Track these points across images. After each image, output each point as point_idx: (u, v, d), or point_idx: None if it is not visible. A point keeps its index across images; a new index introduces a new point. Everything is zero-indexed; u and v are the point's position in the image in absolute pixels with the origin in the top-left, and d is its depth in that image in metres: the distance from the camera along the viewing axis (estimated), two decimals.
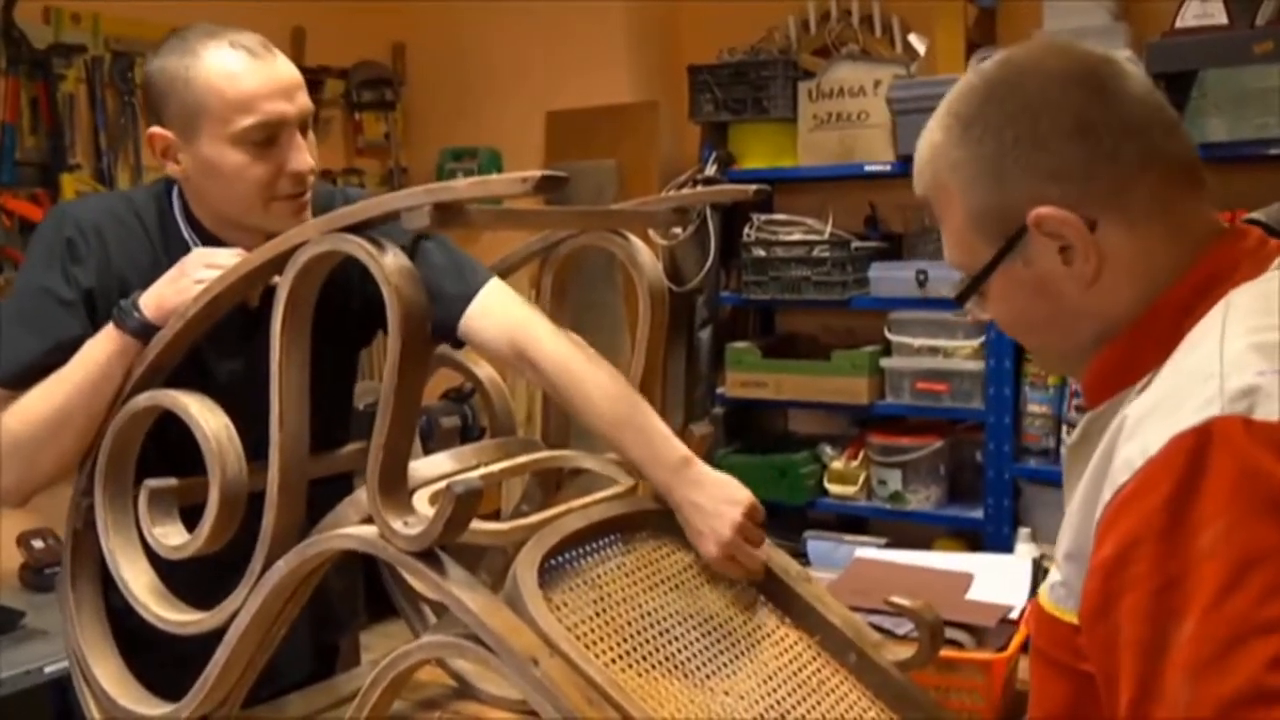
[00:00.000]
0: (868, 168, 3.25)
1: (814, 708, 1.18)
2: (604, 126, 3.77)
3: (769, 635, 1.25)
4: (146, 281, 1.31)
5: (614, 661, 1.08)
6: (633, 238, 1.46)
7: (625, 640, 1.12)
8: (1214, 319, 0.83)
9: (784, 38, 3.53)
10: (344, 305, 1.40)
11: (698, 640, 1.18)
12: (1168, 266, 0.88)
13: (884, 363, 3.26)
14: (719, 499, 1.25)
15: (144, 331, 1.28)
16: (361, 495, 1.17)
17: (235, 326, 1.37)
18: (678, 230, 3.31)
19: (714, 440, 3.31)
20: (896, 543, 2.63)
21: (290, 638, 1.27)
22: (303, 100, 1.35)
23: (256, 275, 1.21)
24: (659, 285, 1.46)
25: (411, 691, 1.49)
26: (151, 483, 1.26)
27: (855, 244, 3.33)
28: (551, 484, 1.54)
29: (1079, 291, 0.89)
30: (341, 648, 1.74)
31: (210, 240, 1.40)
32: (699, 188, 3.28)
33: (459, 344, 1.44)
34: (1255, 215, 0.95)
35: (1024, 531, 2.12)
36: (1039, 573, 1.67)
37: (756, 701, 1.14)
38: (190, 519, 1.24)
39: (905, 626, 1.46)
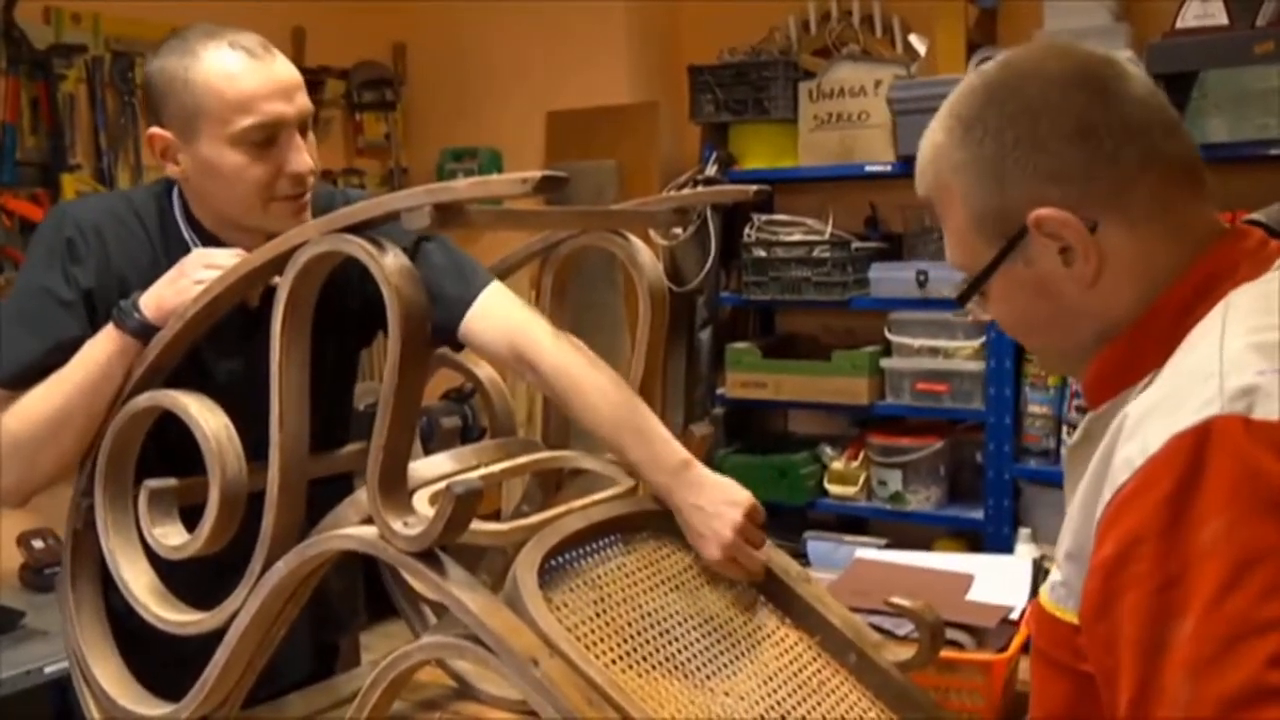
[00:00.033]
0: (868, 168, 3.25)
1: (814, 708, 1.18)
2: (604, 127, 3.77)
3: (769, 636, 1.25)
4: (146, 282, 1.31)
5: (614, 662, 1.08)
6: (633, 238, 1.46)
7: (625, 641, 1.12)
8: (1214, 319, 0.83)
9: (784, 38, 3.53)
10: (344, 305, 1.40)
11: (698, 641, 1.18)
12: (1168, 267, 0.88)
13: (884, 363, 3.26)
14: (719, 501, 1.25)
15: (144, 332, 1.28)
16: (361, 495, 1.17)
17: (235, 327, 1.36)
18: (678, 231, 3.31)
19: (714, 441, 3.31)
20: (897, 543, 2.63)
21: (290, 638, 1.27)
22: (302, 101, 1.35)
23: (256, 276, 1.21)
24: (659, 286, 1.45)
25: (411, 692, 1.49)
26: (151, 483, 1.26)
27: (855, 244, 3.33)
28: (552, 484, 1.54)
29: (1079, 292, 0.90)
30: (341, 648, 1.74)
31: (210, 241, 1.40)
32: (699, 188, 3.28)
33: (459, 346, 1.44)
34: (1256, 216, 0.95)
35: (1024, 532, 2.12)
36: (1039, 573, 1.67)
37: (757, 702, 1.14)
38: (190, 519, 1.24)
39: (905, 627, 1.46)
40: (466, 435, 3.49)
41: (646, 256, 1.45)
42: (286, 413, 1.16)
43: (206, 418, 1.20)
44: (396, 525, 1.09)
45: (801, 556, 2.31)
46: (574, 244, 1.53)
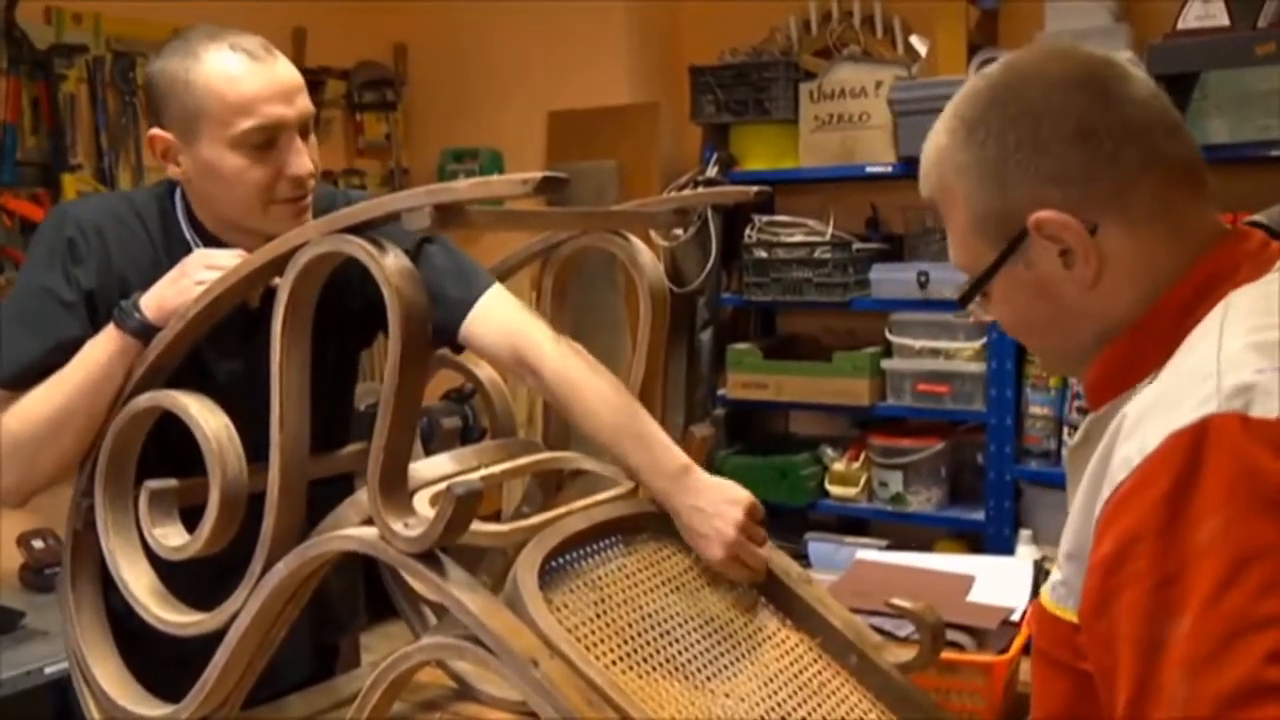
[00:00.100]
0: (869, 169, 3.25)
1: (815, 710, 1.18)
2: (605, 127, 3.77)
3: (770, 637, 1.25)
4: (147, 282, 1.31)
5: (614, 663, 1.08)
6: (634, 239, 1.46)
7: (626, 642, 1.12)
8: (1213, 320, 0.84)
9: (785, 39, 3.53)
10: (345, 306, 1.40)
11: (699, 642, 1.18)
12: (1169, 268, 0.88)
13: (885, 364, 3.26)
14: (719, 500, 1.25)
15: (144, 332, 1.28)
16: (362, 496, 1.17)
17: (236, 327, 1.36)
18: (679, 231, 3.31)
19: (715, 442, 3.32)
20: (897, 544, 2.63)
21: (290, 639, 1.27)
22: (303, 103, 1.35)
23: (257, 276, 1.21)
24: (660, 286, 1.45)
25: (412, 693, 1.49)
26: (152, 484, 1.26)
27: (856, 245, 3.33)
28: (552, 485, 1.54)
29: (1080, 293, 0.90)
30: (342, 649, 1.74)
31: (212, 241, 1.40)
32: (700, 189, 3.28)
33: (459, 348, 1.44)
34: (1257, 218, 0.95)
35: (1025, 533, 2.12)
36: (1040, 575, 1.67)
37: (757, 704, 1.14)
38: (190, 520, 1.24)
39: (906, 628, 1.46)
40: (467, 436, 3.49)
41: (647, 257, 1.45)
42: (287, 413, 1.16)
43: (207, 418, 1.20)
44: (397, 526, 1.09)
45: (802, 558, 2.30)
46: (575, 245, 1.52)
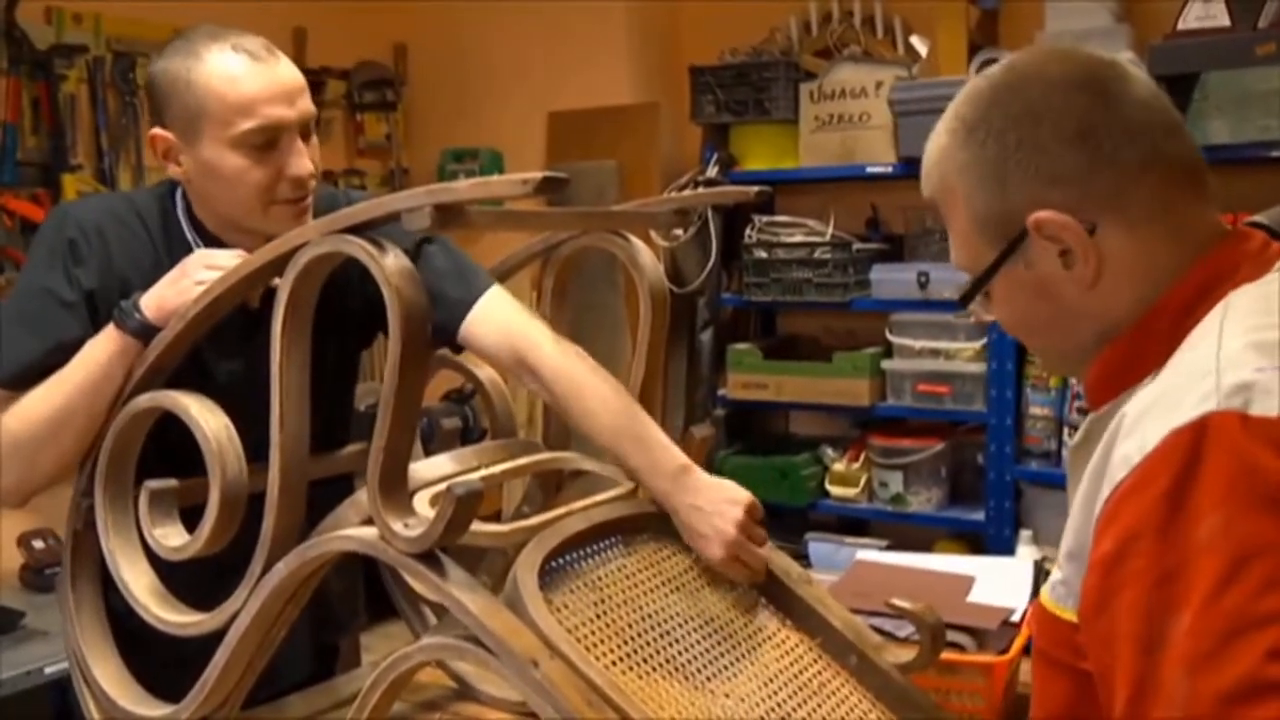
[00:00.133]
0: (869, 169, 3.25)
1: (815, 710, 1.18)
2: (605, 127, 3.77)
3: (770, 638, 1.25)
4: (148, 282, 1.31)
5: (614, 664, 1.08)
6: (634, 239, 1.46)
7: (626, 642, 1.12)
8: (1213, 319, 0.84)
9: (786, 39, 3.53)
10: (345, 306, 1.40)
11: (699, 643, 1.18)
12: (1169, 268, 0.89)
13: (885, 364, 3.26)
14: (719, 500, 1.25)
15: (144, 332, 1.28)
16: (362, 497, 1.17)
17: (236, 327, 1.36)
18: (679, 231, 3.31)
19: (715, 442, 3.32)
20: (898, 545, 2.63)
21: (290, 639, 1.27)
22: (304, 105, 1.35)
23: (257, 276, 1.21)
24: (660, 287, 1.45)
25: (412, 693, 1.49)
26: (152, 484, 1.26)
27: (857, 246, 3.32)
28: (552, 486, 1.54)
29: (1079, 293, 0.90)
30: (342, 649, 1.74)
31: (213, 242, 1.40)
32: (700, 189, 3.28)
33: (458, 349, 1.44)
34: (1258, 218, 0.95)
35: (1025, 534, 2.12)
36: (1040, 575, 1.67)
37: (757, 704, 1.14)
38: (190, 520, 1.24)
39: (906, 629, 1.46)
40: (467, 436, 3.49)
41: (647, 257, 1.45)
42: (287, 413, 1.16)
43: (207, 418, 1.20)
44: (397, 526, 1.09)
45: (802, 558, 2.30)
46: (575, 245, 1.52)
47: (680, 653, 1.15)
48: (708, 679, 1.14)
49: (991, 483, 3.11)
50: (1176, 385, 0.80)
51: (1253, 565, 0.71)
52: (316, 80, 3.81)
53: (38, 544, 2.88)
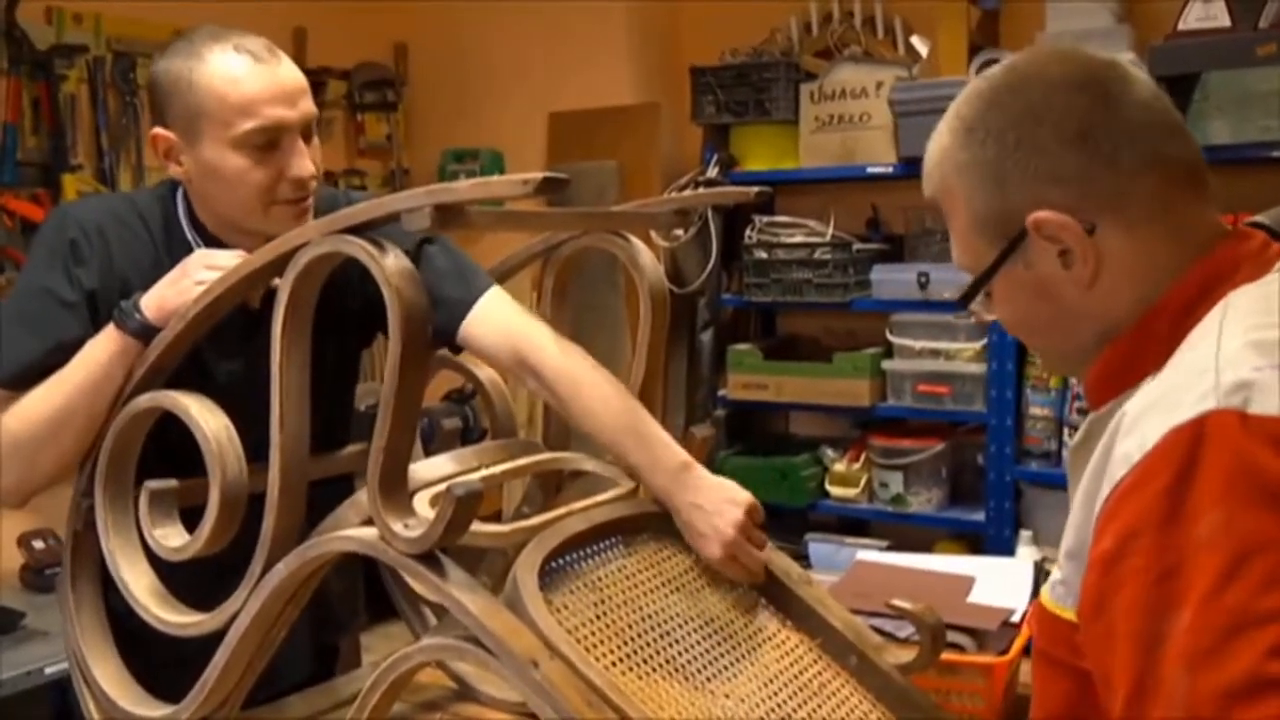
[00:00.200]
0: (870, 170, 3.25)
1: (815, 711, 1.18)
2: (606, 128, 3.77)
3: (770, 638, 1.25)
4: (148, 283, 1.31)
5: (614, 664, 1.08)
6: (634, 239, 1.46)
7: (626, 643, 1.12)
8: (1213, 319, 0.84)
9: (786, 39, 3.53)
10: (345, 306, 1.40)
11: (699, 643, 1.18)
12: (1169, 268, 0.89)
13: (885, 365, 3.26)
14: (720, 500, 1.25)
15: (145, 332, 1.28)
16: (362, 497, 1.17)
17: (236, 328, 1.36)
18: (679, 232, 3.31)
19: (715, 442, 3.31)
20: (898, 545, 2.63)
21: (290, 639, 1.27)
22: (306, 106, 1.35)
23: (257, 276, 1.21)
24: (660, 287, 1.45)
25: (412, 693, 1.49)
26: (152, 484, 1.26)
27: (857, 246, 3.32)
28: (552, 486, 1.54)
29: (1079, 293, 0.90)
30: (342, 649, 1.74)
31: (213, 242, 1.40)
32: (700, 189, 3.28)
33: (457, 349, 1.44)
34: (1258, 218, 0.95)
35: (1025, 534, 2.12)
36: (1040, 576, 1.67)
37: (757, 705, 1.14)
38: (190, 520, 1.24)
39: (906, 629, 1.46)
40: (467, 437, 3.49)
41: (647, 258, 1.45)
42: (287, 414, 1.16)
43: (207, 419, 1.20)
44: (397, 527, 1.09)
45: (803, 558, 2.30)
46: (575, 245, 1.52)
47: (680, 653, 1.15)
48: (708, 679, 1.14)
49: (992, 483, 3.11)
50: (1176, 384, 0.80)
51: (1253, 562, 0.71)
52: (317, 80, 3.81)
53: (38, 544, 2.88)
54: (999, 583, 1.62)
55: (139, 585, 1.29)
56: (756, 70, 3.37)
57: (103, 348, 1.30)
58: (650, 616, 1.17)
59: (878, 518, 3.32)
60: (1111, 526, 0.78)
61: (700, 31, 3.77)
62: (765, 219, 3.41)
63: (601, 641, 1.10)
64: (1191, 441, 0.75)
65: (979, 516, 3.16)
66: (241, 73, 1.30)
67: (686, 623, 1.19)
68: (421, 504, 1.16)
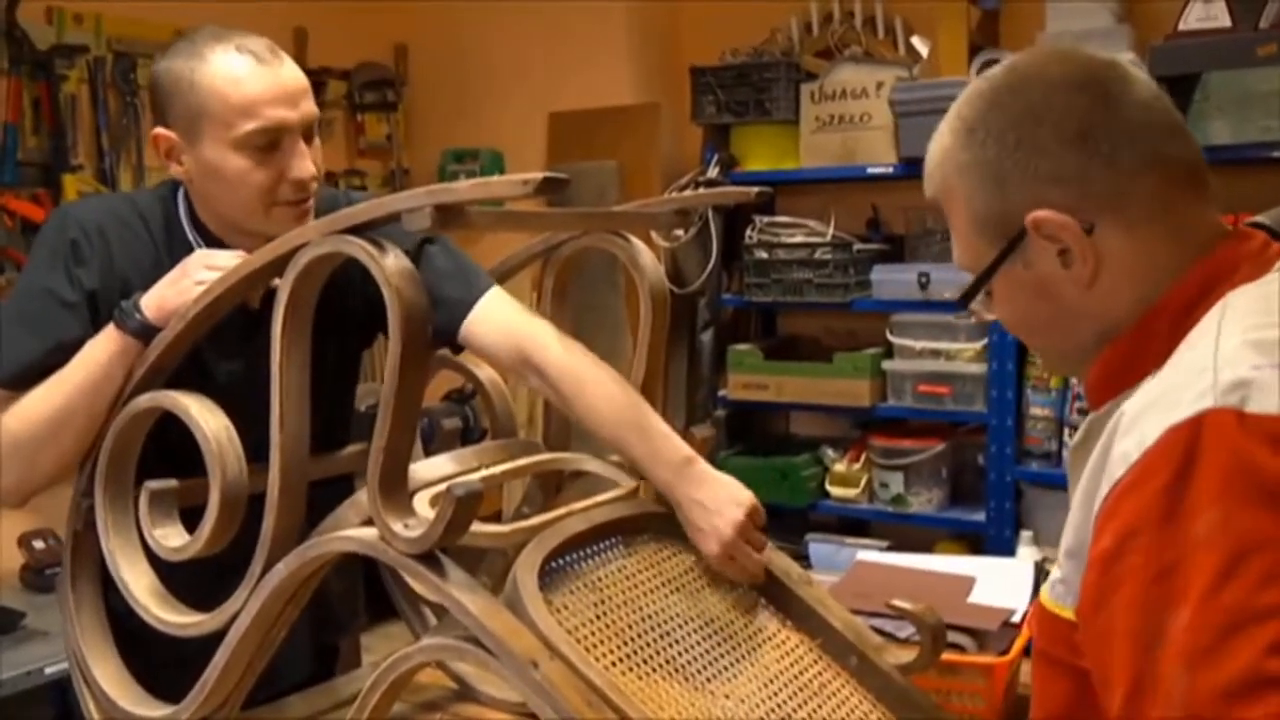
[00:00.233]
0: (870, 170, 3.25)
1: (815, 711, 1.18)
2: (606, 128, 3.77)
3: (770, 638, 1.25)
4: (149, 283, 1.31)
5: (614, 664, 1.08)
6: (634, 239, 1.46)
7: (626, 643, 1.12)
8: (1212, 318, 0.84)
9: (786, 39, 3.53)
10: (345, 306, 1.40)
11: (699, 643, 1.18)
12: (1169, 268, 0.89)
13: (886, 365, 3.26)
14: (721, 498, 1.25)
15: (145, 332, 1.28)
16: (362, 497, 1.17)
17: (236, 328, 1.36)
18: (679, 232, 3.31)
19: (715, 442, 3.31)
20: (898, 546, 2.63)
21: (290, 639, 1.27)
22: (307, 107, 1.35)
23: (257, 277, 1.21)
24: (660, 287, 1.45)
25: (412, 693, 1.49)
26: (152, 484, 1.26)
27: (857, 246, 3.32)
28: (552, 486, 1.54)
29: (1078, 293, 0.90)
30: (342, 649, 1.74)
31: (214, 242, 1.40)
32: (701, 189, 3.28)
33: (458, 349, 1.44)
34: (1259, 219, 0.95)
35: (1026, 534, 2.12)
36: (1041, 576, 1.67)
37: (757, 705, 1.14)
38: (190, 520, 1.24)
39: (907, 630, 1.46)
40: (467, 437, 3.49)
41: (648, 258, 1.45)
42: (287, 414, 1.16)
43: (207, 419, 1.20)
44: (397, 527, 1.09)
45: (803, 559, 2.30)
46: (575, 245, 1.52)
47: (680, 653, 1.15)
48: (708, 680, 1.14)
49: (992, 483, 3.11)
50: (1175, 383, 0.81)
51: (1251, 560, 0.71)
52: (317, 81, 3.81)
53: (38, 544, 2.88)
54: (999, 583, 1.62)
55: (139, 585, 1.29)
56: (757, 70, 3.37)
57: (103, 348, 1.30)
58: (650, 617, 1.17)
59: (878, 518, 3.32)
60: (1110, 525, 0.78)
61: (700, 31, 3.77)
62: (766, 219, 3.41)
63: (601, 642, 1.10)
64: (1189, 440, 0.75)
65: (979, 517, 3.16)
66: (243, 73, 1.30)
67: (686, 623, 1.19)
68: (421, 504, 1.16)
